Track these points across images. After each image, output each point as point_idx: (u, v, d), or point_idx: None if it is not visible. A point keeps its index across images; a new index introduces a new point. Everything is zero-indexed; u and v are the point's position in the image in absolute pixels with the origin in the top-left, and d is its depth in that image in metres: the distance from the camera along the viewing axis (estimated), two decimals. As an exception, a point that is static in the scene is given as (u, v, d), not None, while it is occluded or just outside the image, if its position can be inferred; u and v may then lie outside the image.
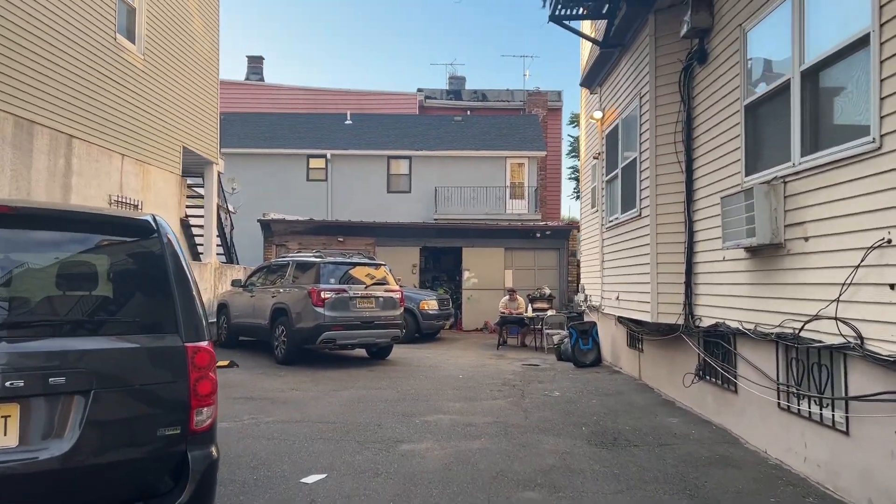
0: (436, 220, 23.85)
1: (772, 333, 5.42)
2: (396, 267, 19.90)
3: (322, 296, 10.99)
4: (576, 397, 8.70)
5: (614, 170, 9.56)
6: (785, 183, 5.30)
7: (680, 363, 8.04)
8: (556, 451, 5.94)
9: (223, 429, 6.57)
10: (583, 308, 13.79)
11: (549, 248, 20.53)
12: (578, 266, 20.35)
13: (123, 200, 11.06)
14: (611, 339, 11.84)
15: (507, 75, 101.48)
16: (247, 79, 33.36)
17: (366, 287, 11.56)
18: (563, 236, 20.45)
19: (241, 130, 27.09)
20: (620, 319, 10.35)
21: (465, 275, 20.36)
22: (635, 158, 8.41)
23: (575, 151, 31.89)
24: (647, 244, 7.87)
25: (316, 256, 11.95)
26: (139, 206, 11.58)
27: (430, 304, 16.04)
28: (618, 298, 9.43)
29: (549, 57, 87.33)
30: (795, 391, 5.30)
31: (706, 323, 6.93)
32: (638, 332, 9.54)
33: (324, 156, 25.77)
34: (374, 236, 20.15)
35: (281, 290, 11.93)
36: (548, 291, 18.10)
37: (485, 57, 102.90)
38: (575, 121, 31.97)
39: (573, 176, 32.46)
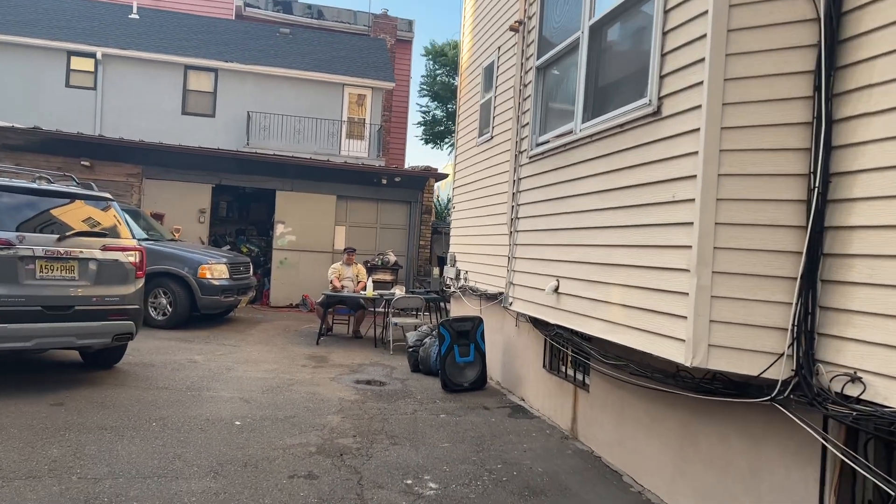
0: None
1: None
2: (177, 211, 13.83)
3: (-51, 252, 5.23)
4: (474, 501, 4.01)
5: (570, 35, 4.84)
6: None
7: (719, 450, 3.61)
8: None
9: None
10: (452, 289, 9.15)
11: (398, 201, 15.56)
12: (434, 228, 15.83)
13: None
14: (503, 345, 7.31)
15: None
16: (-7, -57, 24.23)
17: (59, 239, 5.89)
18: (416, 186, 15.60)
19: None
20: (536, 321, 5.81)
21: (279, 229, 14.72)
22: (651, -14, 3.74)
23: (427, 88, 27.27)
24: (686, 176, 3.29)
25: (-42, 173, 6.01)
26: None
27: (217, 269, 10.37)
28: (557, 291, 4.83)
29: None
30: None
31: (888, 394, 2.50)
32: (578, 352, 5.03)
33: (93, 55, 18.51)
34: (141, 163, 13.77)
35: None
36: (393, 258, 13.29)
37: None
38: (430, 53, 27.39)
39: (424, 120, 27.84)
